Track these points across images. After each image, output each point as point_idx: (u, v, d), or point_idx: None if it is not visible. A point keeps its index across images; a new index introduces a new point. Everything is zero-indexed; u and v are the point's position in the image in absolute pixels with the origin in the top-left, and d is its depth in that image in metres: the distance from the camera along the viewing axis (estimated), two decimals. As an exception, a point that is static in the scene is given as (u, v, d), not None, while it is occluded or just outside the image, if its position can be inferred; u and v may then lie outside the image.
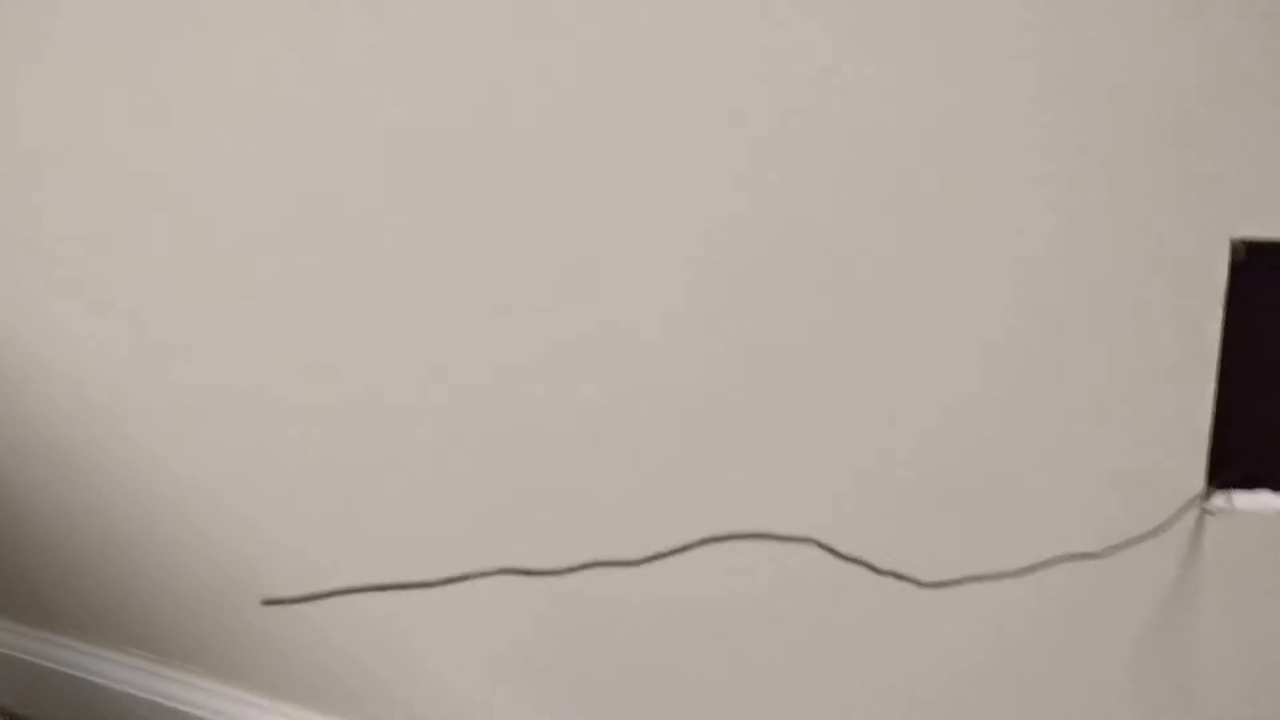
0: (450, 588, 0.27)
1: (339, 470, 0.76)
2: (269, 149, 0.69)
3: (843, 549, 0.32)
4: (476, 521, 0.72)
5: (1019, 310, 0.53)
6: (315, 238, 0.70)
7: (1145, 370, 0.51)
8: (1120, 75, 0.48)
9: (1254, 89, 0.46)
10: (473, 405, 0.69)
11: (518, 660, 0.75)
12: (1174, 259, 0.49)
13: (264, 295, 0.73)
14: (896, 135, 0.53)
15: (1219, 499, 0.52)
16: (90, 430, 0.87)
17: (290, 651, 0.85)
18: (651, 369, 0.63)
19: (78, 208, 0.78)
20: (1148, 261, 0.50)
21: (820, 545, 0.31)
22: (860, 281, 0.56)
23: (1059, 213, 0.51)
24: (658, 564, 0.28)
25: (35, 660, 1.02)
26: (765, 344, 0.59)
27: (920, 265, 0.54)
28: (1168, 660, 0.55)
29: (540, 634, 0.73)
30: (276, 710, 0.89)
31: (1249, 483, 0.52)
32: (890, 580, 0.37)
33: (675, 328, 0.61)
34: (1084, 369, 0.52)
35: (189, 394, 0.80)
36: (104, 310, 0.81)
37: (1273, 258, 0.50)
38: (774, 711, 0.67)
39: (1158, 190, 0.49)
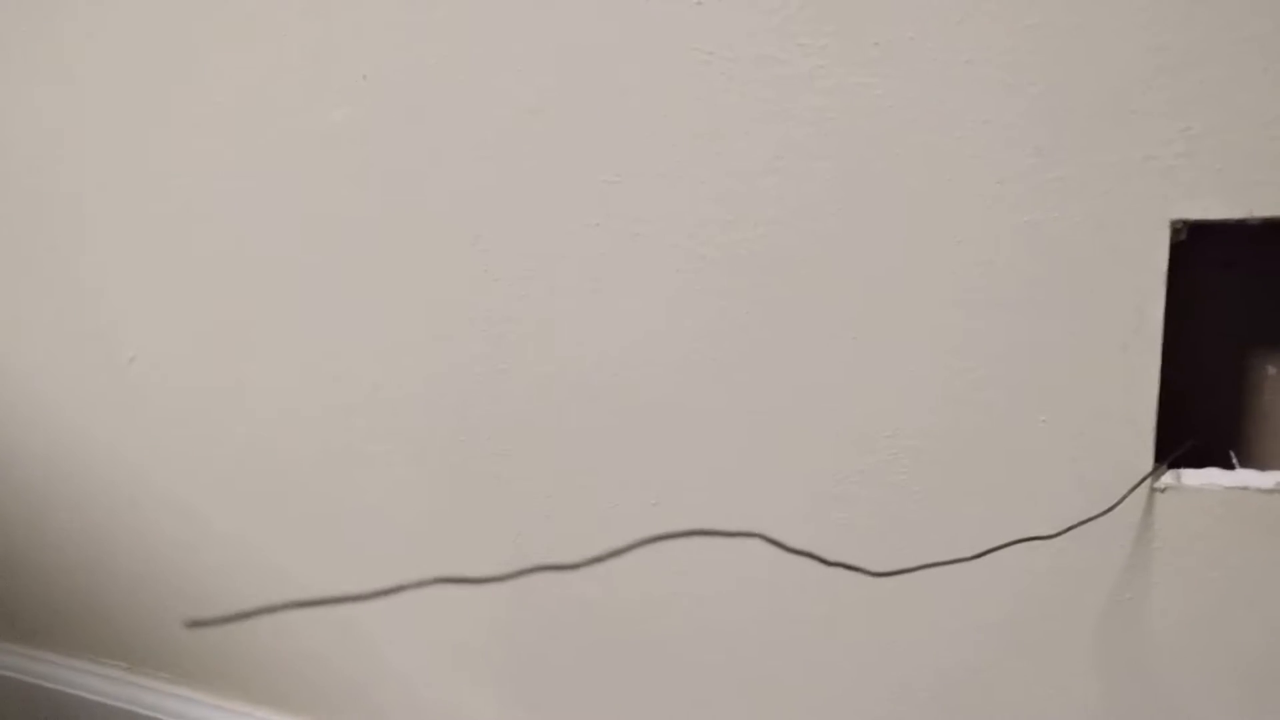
0: (390, 598, 0.27)
1: (308, 478, 0.75)
2: (244, 162, 0.68)
3: (790, 543, 0.32)
4: (416, 528, 0.72)
5: (964, 298, 0.53)
6: (278, 249, 0.69)
7: (1092, 353, 0.51)
8: (1056, 61, 0.48)
9: (1187, 70, 0.46)
10: (416, 412, 0.69)
11: (485, 662, 0.75)
12: (1115, 241, 0.49)
13: (231, 307, 0.73)
14: (850, 137, 0.53)
15: (1168, 477, 0.52)
16: (60, 440, 0.86)
17: (263, 656, 0.85)
18: (593, 375, 0.63)
19: (47, 216, 0.77)
20: (1089, 245, 0.50)
21: (766, 539, 0.31)
22: (803, 272, 0.56)
23: (1001, 202, 0.51)
24: (599, 566, 0.28)
25: (7, 674, 1.01)
26: (706, 340, 0.59)
27: (864, 255, 0.54)
28: (1124, 636, 0.55)
29: (500, 638, 0.73)
30: (251, 715, 0.89)
31: (1197, 460, 0.53)
32: (841, 572, 0.37)
33: (612, 333, 0.61)
34: (1030, 354, 0.52)
35: (157, 403, 0.79)
36: (74, 319, 0.80)
37: (1213, 237, 0.51)
38: (732, 707, 0.67)
39: (1096, 174, 0.49)
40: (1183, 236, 0.49)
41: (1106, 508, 0.51)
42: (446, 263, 0.64)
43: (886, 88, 0.52)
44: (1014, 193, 0.51)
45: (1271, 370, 0.54)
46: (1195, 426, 0.53)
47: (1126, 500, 0.52)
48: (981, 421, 0.54)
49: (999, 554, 0.48)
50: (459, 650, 0.75)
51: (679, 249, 0.58)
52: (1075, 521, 0.51)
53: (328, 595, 0.26)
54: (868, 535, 0.58)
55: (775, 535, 0.32)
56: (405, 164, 0.63)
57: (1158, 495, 0.52)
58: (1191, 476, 0.52)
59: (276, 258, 0.70)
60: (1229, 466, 0.52)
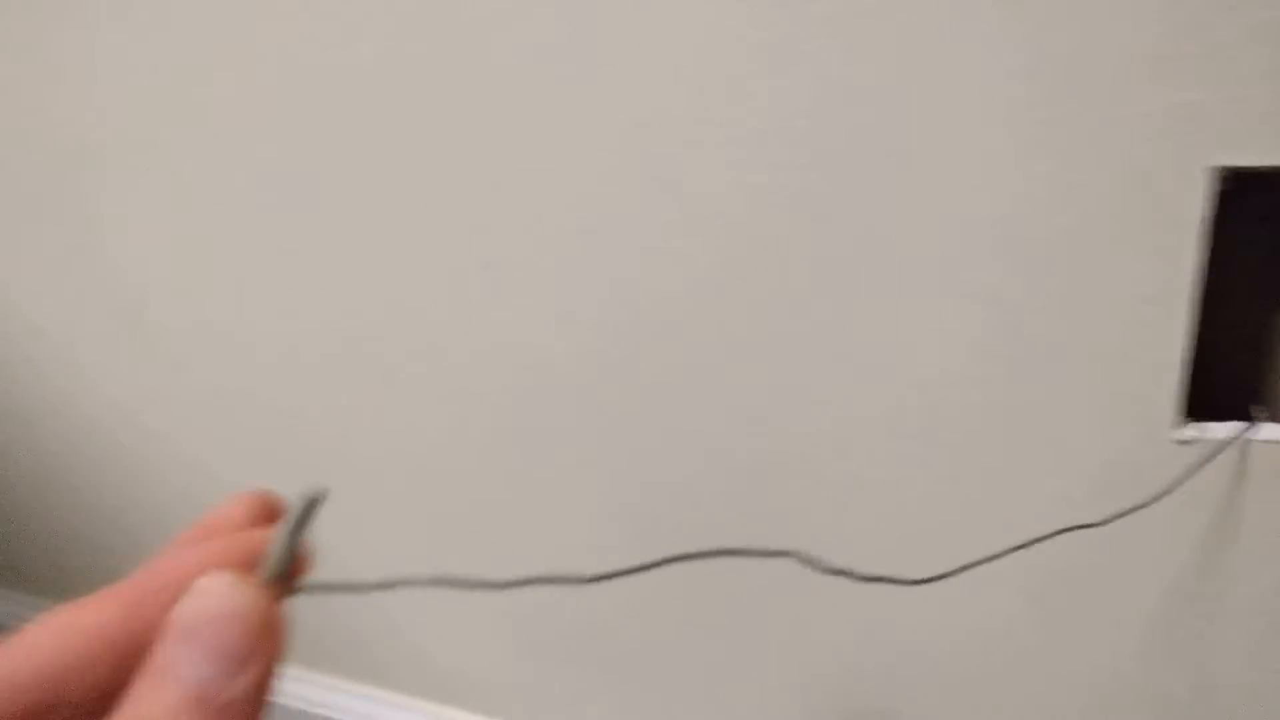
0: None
1: (319, 432, 0.73)
2: (257, 106, 0.63)
3: (825, 560, 0.30)
4: (414, 488, 0.71)
5: (995, 260, 0.51)
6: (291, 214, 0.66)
7: (1123, 305, 0.49)
8: (1092, 6, 0.44)
9: (1227, 16, 0.43)
10: (420, 362, 0.67)
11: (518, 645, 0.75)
12: (1151, 191, 0.47)
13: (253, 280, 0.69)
14: (865, 83, 0.49)
15: (1192, 430, 0.51)
16: (73, 394, 0.84)
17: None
18: (598, 350, 0.61)
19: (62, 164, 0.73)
20: (1125, 196, 0.47)
21: (800, 559, 0.30)
22: (827, 239, 0.53)
23: (1033, 151, 0.48)
24: (619, 581, 0.26)
25: (14, 624, 1.01)
26: (720, 339, 0.57)
27: (891, 205, 0.52)
28: (1171, 607, 0.56)
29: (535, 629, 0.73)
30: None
31: (1225, 414, 0.52)
32: (876, 585, 0.36)
33: (627, 330, 0.59)
34: (1060, 307, 0.51)
35: (168, 355, 0.76)
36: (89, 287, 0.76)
37: (1256, 184, 0.48)
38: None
39: (1133, 122, 0.46)
40: (1225, 186, 0.46)
41: (1153, 491, 0.49)
42: (463, 214, 0.61)
43: (910, 39, 0.48)
44: (1046, 144, 0.48)
45: (1303, 322, 0.52)
46: (1225, 381, 0.52)
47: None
48: (1009, 375, 0.53)
49: (1041, 546, 0.47)
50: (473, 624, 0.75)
51: (693, 236, 0.55)
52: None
53: (329, 582, 0.24)
54: (903, 542, 0.58)
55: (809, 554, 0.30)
56: (419, 110, 0.59)
57: (1182, 449, 0.51)
58: (1217, 430, 0.51)
59: (288, 203, 0.66)
60: (1258, 421, 0.51)
